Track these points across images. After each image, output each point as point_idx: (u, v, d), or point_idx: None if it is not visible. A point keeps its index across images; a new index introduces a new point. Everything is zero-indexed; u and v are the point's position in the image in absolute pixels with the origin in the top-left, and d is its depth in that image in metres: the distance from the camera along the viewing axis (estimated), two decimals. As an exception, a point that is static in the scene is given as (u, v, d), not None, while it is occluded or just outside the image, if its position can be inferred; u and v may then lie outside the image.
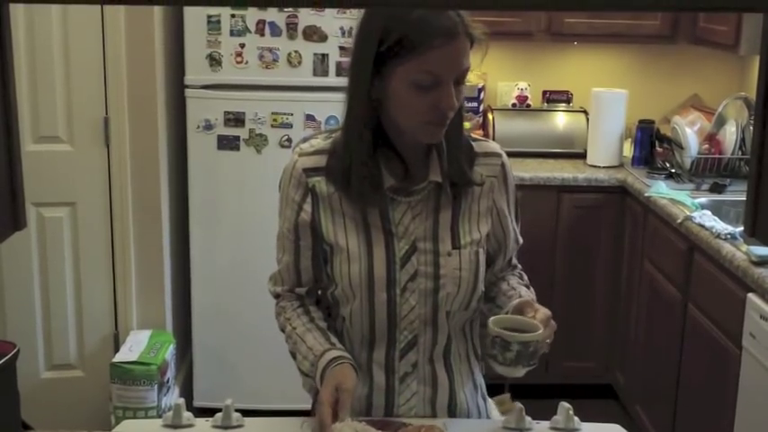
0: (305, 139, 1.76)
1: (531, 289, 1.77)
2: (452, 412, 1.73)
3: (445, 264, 1.65)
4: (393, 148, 1.65)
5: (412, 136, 1.62)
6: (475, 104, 4.11)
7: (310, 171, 1.67)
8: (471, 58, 1.58)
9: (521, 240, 1.81)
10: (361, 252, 1.64)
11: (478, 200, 1.70)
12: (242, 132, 3.47)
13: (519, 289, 1.73)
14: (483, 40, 1.58)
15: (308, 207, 1.67)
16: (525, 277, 1.83)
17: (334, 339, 1.67)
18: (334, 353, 1.61)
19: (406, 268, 1.65)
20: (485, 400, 1.83)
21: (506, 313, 1.62)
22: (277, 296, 1.78)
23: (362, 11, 1.65)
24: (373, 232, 1.65)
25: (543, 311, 1.57)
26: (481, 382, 1.82)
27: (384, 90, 1.58)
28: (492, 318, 1.57)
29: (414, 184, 1.66)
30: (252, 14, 3.38)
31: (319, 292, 1.77)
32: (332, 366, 1.58)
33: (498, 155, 1.73)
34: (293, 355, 1.69)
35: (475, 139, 1.74)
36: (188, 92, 3.45)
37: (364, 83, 1.58)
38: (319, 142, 1.70)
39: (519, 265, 1.85)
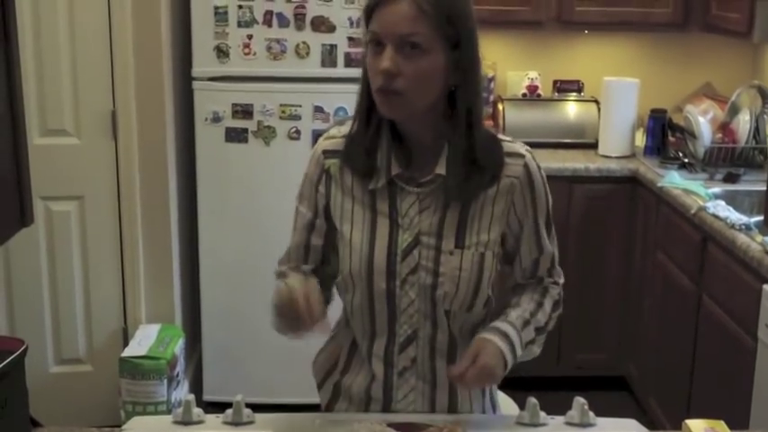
0: (341, 122, 1.75)
1: (542, 312, 1.72)
2: (453, 411, 1.71)
3: (446, 262, 1.62)
4: (401, 135, 1.63)
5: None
6: (485, 95, 4.08)
7: (329, 153, 1.69)
8: (422, 26, 1.51)
9: (549, 250, 1.73)
10: (363, 241, 1.63)
11: (493, 201, 1.63)
12: (250, 124, 3.45)
13: (511, 313, 1.67)
14: (427, 10, 1.51)
15: (322, 188, 1.69)
16: (547, 299, 1.76)
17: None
18: (295, 270, 1.65)
19: (407, 261, 1.62)
20: (493, 401, 1.79)
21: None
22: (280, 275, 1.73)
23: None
24: (379, 220, 1.64)
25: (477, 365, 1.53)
26: (492, 385, 1.78)
27: None
28: None
29: (421, 175, 1.63)
30: (259, 5, 3.35)
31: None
32: (292, 273, 1.61)
33: (521, 155, 1.65)
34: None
35: (502, 140, 1.67)
36: (195, 84, 3.42)
37: (363, 64, 1.60)
38: (346, 127, 1.71)
39: (553, 282, 1.78)
